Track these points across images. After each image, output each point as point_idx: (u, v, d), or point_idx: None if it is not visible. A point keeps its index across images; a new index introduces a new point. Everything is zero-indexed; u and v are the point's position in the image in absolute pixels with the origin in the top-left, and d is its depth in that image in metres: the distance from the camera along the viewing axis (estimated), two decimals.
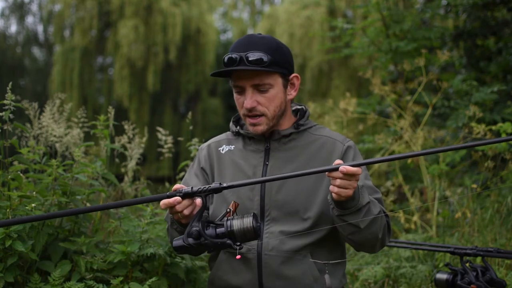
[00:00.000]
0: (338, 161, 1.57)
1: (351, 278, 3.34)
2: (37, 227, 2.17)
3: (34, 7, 21.85)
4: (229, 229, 1.55)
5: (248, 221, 1.54)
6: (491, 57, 5.03)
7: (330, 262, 1.75)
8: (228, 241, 1.54)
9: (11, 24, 21.71)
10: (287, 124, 1.90)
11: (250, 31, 20.21)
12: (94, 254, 2.25)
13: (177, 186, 1.64)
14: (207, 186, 1.57)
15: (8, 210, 2.05)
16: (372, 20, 5.32)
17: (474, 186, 3.59)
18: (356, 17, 12.21)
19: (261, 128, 1.82)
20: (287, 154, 1.86)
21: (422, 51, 4.32)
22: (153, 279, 2.11)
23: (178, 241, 1.56)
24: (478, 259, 2.62)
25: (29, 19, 22.14)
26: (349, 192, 1.57)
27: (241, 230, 1.54)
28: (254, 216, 1.57)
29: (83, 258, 2.20)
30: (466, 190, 3.77)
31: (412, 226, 3.90)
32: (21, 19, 21.38)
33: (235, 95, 1.85)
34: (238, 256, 1.58)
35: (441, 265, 3.08)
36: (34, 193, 2.24)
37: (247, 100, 1.78)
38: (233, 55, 1.77)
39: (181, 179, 3.10)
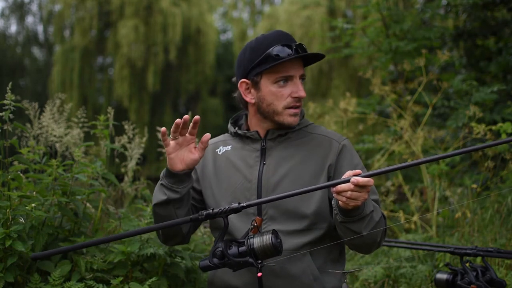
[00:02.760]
0: (348, 173, 1.56)
1: (351, 278, 3.33)
2: (37, 227, 2.17)
3: (34, 7, 21.85)
4: (250, 247, 1.56)
5: (267, 238, 1.56)
6: (491, 57, 5.03)
7: (349, 271, 1.76)
8: (250, 260, 1.56)
9: (11, 24, 21.70)
10: None
11: (250, 31, 20.19)
12: (94, 254, 2.25)
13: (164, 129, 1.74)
14: (227, 207, 1.59)
15: (8, 210, 2.04)
16: (372, 20, 5.32)
17: (474, 186, 3.59)
18: (356, 17, 12.21)
19: (297, 118, 1.87)
20: (283, 153, 1.86)
21: (422, 51, 4.32)
22: (153, 279, 2.11)
23: (204, 262, 1.60)
24: (478, 259, 2.62)
25: (29, 19, 22.11)
26: (359, 203, 1.57)
27: (261, 248, 1.56)
28: (274, 232, 1.58)
29: (83, 258, 2.20)
30: (467, 190, 3.77)
31: (412, 226, 3.90)
32: (21, 19, 21.36)
33: (273, 88, 1.82)
34: (259, 274, 1.57)
35: (441, 265, 3.07)
36: (34, 193, 2.24)
37: (301, 89, 1.82)
38: (285, 46, 1.81)
39: None
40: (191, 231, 1.93)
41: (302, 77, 1.85)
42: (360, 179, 1.52)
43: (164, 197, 1.76)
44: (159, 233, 1.88)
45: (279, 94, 1.82)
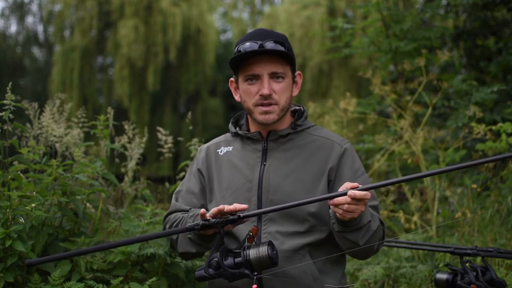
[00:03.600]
0: (346, 185, 1.56)
1: (351, 278, 3.33)
2: (37, 227, 2.17)
3: (34, 7, 21.85)
4: (246, 258, 1.57)
5: (263, 250, 1.56)
6: (491, 57, 5.03)
7: (345, 286, 1.77)
8: (246, 271, 1.56)
9: (11, 24, 21.70)
10: (285, 124, 1.91)
11: (250, 31, 20.17)
12: (94, 254, 2.25)
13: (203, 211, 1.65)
14: (223, 218, 1.60)
15: (8, 210, 2.04)
16: (372, 20, 5.31)
17: (474, 186, 3.58)
18: (356, 17, 12.20)
19: (272, 116, 1.82)
20: (284, 154, 1.86)
21: (422, 51, 4.32)
22: (153, 279, 2.10)
23: (200, 272, 1.61)
24: (478, 259, 2.62)
25: (29, 19, 22.11)
26: (355, 215, 1.57)
27: (257, 259, 1.56)
28: (270, 244, 1.58)
29: (83, 258, 2.20)
30: (467, 190, 3.77)
31: (412, 226, 3.90)
32: (21, 19, 21.36)
33: (244, 85, 1.83)
34: (254, 286, 1.57)
35: (441, 265, 3.07)
36: (34, 193, 2.24)
37: (265, 87, 1.78)
38: (250, 43, 1.78)
39: (181, 179, 3.10)
40: None
41: (276, 75, 1.80)
42: (357, 193, 1.51)
43: (194, 250, 1.82)
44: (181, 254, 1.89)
45: (248, 92, 1.82)
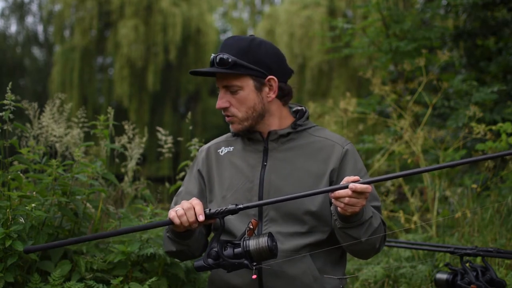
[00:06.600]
0: (347, 179, 1.57)
1: (351, 278, 3.33)
2: (37, 227, 2.17)
3: (34, 7, 21.84)
4: (245, 249, 1.58)
5: (263, 241, 1.57)
6: (491, 57, 5.03)
7: (344, 277, 1.78)
8: (245, 262, 1.57)
9: (11, 24, 21.69)
10: (285, 124, 1.90)
11: (250, 31, 20.18)
12: (94, 254, 2.25)
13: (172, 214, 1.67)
14: (223, 208, 1.62)
15: (8, 210, 2.04)
16: (372, 20, 5.32)
17: (474, 186, 3.58)
18: (356, 17, 12.20)
19: (235, 126, 1.86)
20: (285, 154, 1.86)
21: (422, 51, 4.32)
22: (153, 279, 2.11)
23: (199, 262, 1.61)
24: (478, 259, 2.62)
25: (29, 19, 22.11)
26: (357, 209, 1.57)
27: (257, 250, 1.57)
28: (270, 235, 1.59)
29: (83, 258, 2.20)
30: (467, 190, 3.77)
31: (412, 226, 3.90)
32: (21, 19, 21.35)
33: None
34: (254, 276, 1.58)
35: (441, 265, 3.07)
36: (34, 193, 2.24)
37: (218, 101, 1.84)
38: (212, 56, 1.82)
39: (181, 179, 3.10)
40: (207, 234, 1.95)
41: (229, 88, 1.82)
42: (358, 186, 1.52)
43: (174, 249, 1.82)
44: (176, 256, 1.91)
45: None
